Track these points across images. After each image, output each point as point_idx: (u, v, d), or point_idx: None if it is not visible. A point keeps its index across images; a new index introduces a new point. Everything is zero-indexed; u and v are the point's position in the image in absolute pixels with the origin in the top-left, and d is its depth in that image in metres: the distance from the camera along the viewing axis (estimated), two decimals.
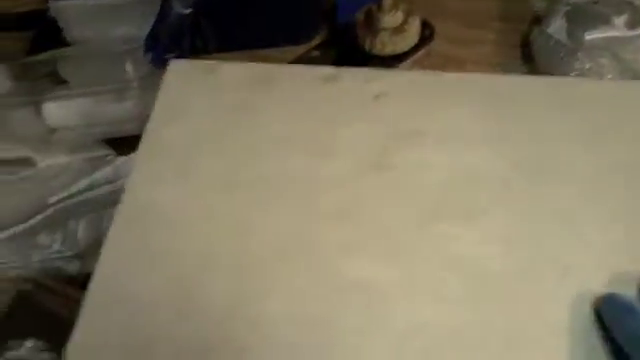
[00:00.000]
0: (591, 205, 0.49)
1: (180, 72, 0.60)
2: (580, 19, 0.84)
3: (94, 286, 0.46)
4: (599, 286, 0.45)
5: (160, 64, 0.76)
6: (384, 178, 0.51)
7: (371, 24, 0.64)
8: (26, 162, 0.67)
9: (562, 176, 0.52)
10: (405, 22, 0.65)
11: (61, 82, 0.82)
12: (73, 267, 0.60)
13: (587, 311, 0.44)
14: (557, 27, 0.85)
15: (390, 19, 0.64)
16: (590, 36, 0.82)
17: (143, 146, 0.55)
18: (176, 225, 0.50)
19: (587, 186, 0.50)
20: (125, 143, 0.74)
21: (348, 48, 0.66)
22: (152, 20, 0.84)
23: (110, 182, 0.67)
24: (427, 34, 0.69)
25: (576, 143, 0.53)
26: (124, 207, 0.51)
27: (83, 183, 0.66)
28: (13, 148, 0.68)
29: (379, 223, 0.49)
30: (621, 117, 0.55)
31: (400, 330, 0.44)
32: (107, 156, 0.70)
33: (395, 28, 0.64)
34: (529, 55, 0.89)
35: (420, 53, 0.68)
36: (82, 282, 0.58)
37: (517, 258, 0.47)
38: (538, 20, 0.90)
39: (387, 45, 0.64)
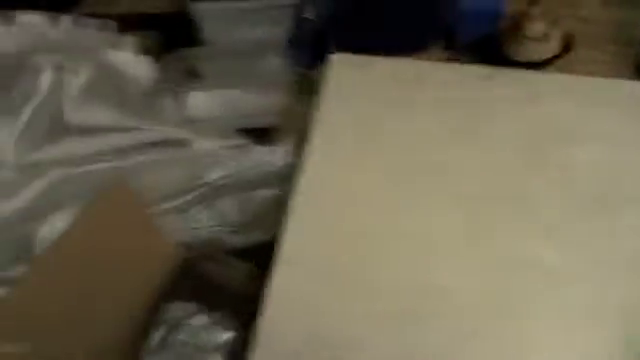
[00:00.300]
0: None
1: (341, 65, 0.65)
2: None
3: (282, 255, 0.50)
4: None
5: (301, 64, 0.81)
6: (543, 172, 0.54)
7: (516, 32, 0.68)
8: (179, 144, 0.72)
9: None
10: (548, 32, 0.68)
11: (197, 77, 0.87)
12: (235, 240, 0.64)
13: None
14: None
15: (535, 28, 0.67)
16: None
17: (316, 130, 0.59)
18: (350, 202, 0.54)
19: None
20: (259, 133, 0.79)
21: (491, 54, 0.69)
22: (282, 25, 0.89)
23: (253, 168, 0.71)
24: (567, 44, 0.72)
25: None
26: (303, 184, 0.55)
27: (230, 167, 0.71)
28: (168, 130, 0.73)
29: (543, 211, 0.52)
30: None
31: (572, 308, 0.46)
32: (247, 144, 0.75)
33: (539, 37, 0.67)
34: None
35: (559, 61, 0.71)
36: (241, 253, 0.62)
37: None
38: None
39: (530, 52, 0.68)
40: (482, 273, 0.48)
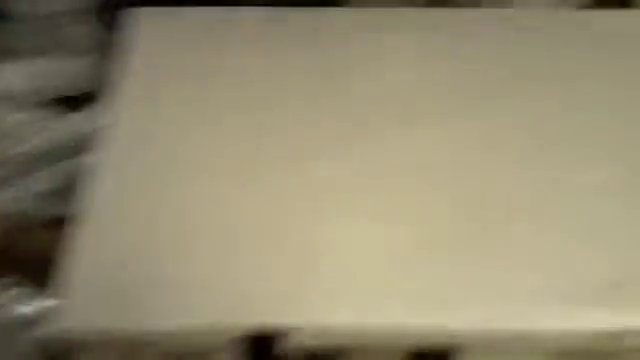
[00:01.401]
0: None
1: (145, 19, 0.63)
2: None
3: (85, 221, 0.49)
4: None
5: (111, 27, 0.78)
6: (334, 98, 0.56)
7: None
8: None
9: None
10: None
11: (5, 51, 0.83)
12: (47, 210, 0.63)
13: None
14: None
15: None
16: None
17: (121, 94, 0.57)
18: (157, 173, 0.52)
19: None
20: (74, 101, 0.77)
21: None
22: None
23: (64, 136, 0.70)
24: None
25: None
26: (108, 138, 0.54)
27: (41, 137, 0.69)
28: None
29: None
30: None
31: None
32: (61, 113, 0.73)
33: None
34: None
35: None
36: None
37: None
38: None
39: None
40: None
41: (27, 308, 0.55)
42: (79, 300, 0.45)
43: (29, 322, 0.55)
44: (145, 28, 0.63)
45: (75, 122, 0.69)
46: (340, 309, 0.42)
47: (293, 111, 0.55)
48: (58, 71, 0.77)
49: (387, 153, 0.52)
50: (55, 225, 0.62)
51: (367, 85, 0.56)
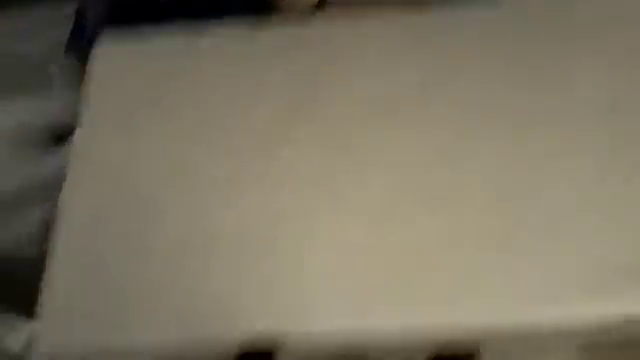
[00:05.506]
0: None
1: (107, 49, 0.61)
2: None
3: (60, 246, 0.47)
4: None
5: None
6: (307, 118, 0.52)
7: None
8: None
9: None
10: None
11: None
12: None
13: None
14: None
15: None
16: None
17: (85, 112, 0.56)
18: (125, 177, 0.51)
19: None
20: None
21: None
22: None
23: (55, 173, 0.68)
24: None
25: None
26: (75, 167, 0.52)
27: (27, 174, 0.67)
28: None
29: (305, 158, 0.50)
30: None
31: None
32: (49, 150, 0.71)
33: None
34: None
35: None
36: None
37: None
38: None
39: None
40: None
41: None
42: (58, 325, 0.43)
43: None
44: (107, 59, 0.61)
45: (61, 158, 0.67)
46: (338, 315, 0.40)
47: (270, 128, 0.53)
48: (42, 108, 0.76)
49: (372, 158, 0.49)
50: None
51: (345, 99, 0.53)
